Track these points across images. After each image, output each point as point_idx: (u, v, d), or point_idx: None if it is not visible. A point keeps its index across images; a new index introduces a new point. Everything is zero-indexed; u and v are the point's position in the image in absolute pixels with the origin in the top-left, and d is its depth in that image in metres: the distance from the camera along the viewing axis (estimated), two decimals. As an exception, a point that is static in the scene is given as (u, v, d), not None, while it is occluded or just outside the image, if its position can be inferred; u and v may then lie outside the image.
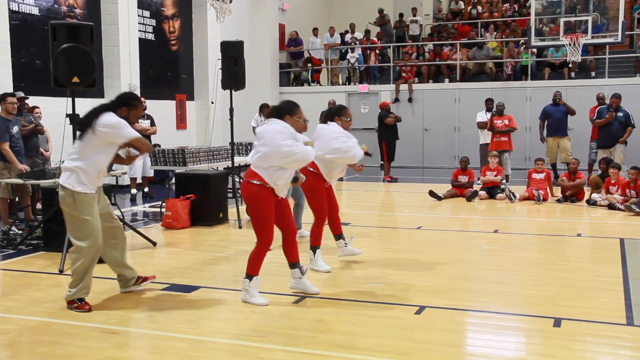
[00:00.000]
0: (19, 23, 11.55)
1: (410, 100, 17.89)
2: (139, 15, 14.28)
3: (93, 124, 4.95)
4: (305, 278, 5.43)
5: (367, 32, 19.71)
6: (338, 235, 6.61)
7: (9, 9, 11.11)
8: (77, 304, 5.11)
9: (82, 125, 5.07)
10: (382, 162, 14.68)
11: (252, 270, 5.13)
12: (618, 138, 12.03)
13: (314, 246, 6.27)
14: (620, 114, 12.06)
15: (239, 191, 10.51)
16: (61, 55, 6.76)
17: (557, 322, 4.72)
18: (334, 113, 6.36)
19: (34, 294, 5.69)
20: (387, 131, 14.05)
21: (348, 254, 6.66)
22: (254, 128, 14.24)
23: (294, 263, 5.40)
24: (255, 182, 4.98)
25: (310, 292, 5.40)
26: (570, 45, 13.49)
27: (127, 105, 5.16)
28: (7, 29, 10.84)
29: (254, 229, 5.12)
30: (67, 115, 7.03)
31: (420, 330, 4.62)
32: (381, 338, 4.45)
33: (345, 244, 6.65)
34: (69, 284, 5.16)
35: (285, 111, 5.19)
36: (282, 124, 5.09)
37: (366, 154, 6.40)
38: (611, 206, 9.97)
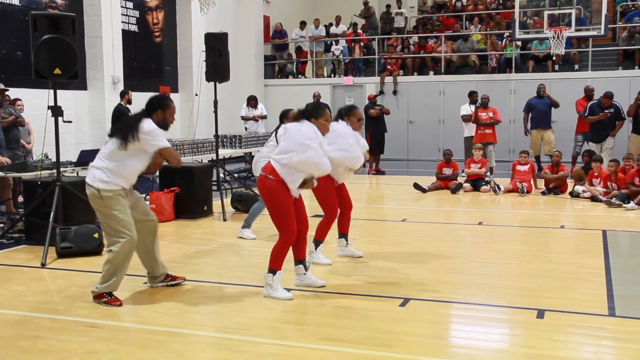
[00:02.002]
0: None
1: (395, 92, 17.91)
2: (122, 7, 14.15)
3: (135, 132, 4.92)
4: (309, 273, 5.46)
5: (353, 25, 19.68)
6: (342, 234, 6.51)
7: (-11, 0, 10.96)
8: (107, 298, 5.05)
9: (122, 131, 5.01)
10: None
11: (275, 265, 5.10)
12: (609, 131, 12.13)
13: (318, 240, 6.20)
14: (611, 109, 12.15)
15: (224, 184, 10.50)
16: (42, 46, 6.68)
17: (541, 314, 4.75)
18: (343, 113, 6.16)
19: (16, 287, 5.63)
20: (371, 123, 14.08)
21: (347, 255, 6.53)
22: (243, 117, 14.22)
23: (300, 260, 5.41)
24: (272, 177, 4.98)
25: (317, 286, 5.40)
26: (554, 38, 13.57)
27: (160, 107, 5.12)
28: (-13, 19, 10.70)
29: (275, 224, 5.09)
30: (49, 107, 6.95)
31: (405, 322, 4.63)
32: (365, 330, 4.46)
33: (347, 244, 6.55)
34: (101, 278, 5.06)
35: (312, 114, 5.26)
36: (314, 128, 5.17)
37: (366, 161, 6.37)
38: (594, 198, 10.06)
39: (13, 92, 9.79)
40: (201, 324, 4.64)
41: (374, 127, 14.12)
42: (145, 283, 5.56)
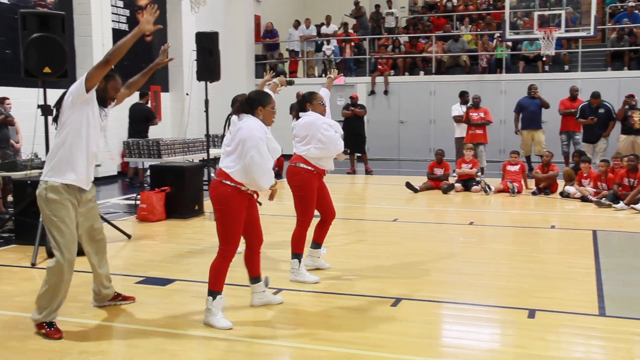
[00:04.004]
0: (-11, 12, 11.32)
1: (386, 92, 17.92)
2: (112, 5, 14.08)
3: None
4: (267, 290, 5.03)
5: (344, 25, 19.68)
6: (317, 244, 6.04)
7: (-22, -2, 10.88)
8: (46, 330, 4.40)
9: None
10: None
11: (216, 286, 4.55)
12: (601, 132, 12.21)
13: (297, 254, 5.68)
14: (601, 111, 12.23)
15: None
16: (31, 45, 6.64)
17: (532, 314, 4.77)
18: (304, 101, 5.81)
19: (5, 287, 5.59)
20: (346, 124, 14.02)
21: (316, 266, 6.04)
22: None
23: (256, 277, 4.93)
24: (228, 182, 4.48)
25: (276, 303, 5.01)
26: (544, 38, 13.63)
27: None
28: (-24, 17, 10.62)
29: (218, 235, 4.60)
30: (38, 106, 6.91)
31: (396, 323, 4.63)
32: (357, 330, 4.46)
33: (319, 256, 6.11)
34: (37, 301, 4.49)
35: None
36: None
37: (345, 152, 6.23)
38: (584, 198, 10.11)
39: (2, 91, 9.73)
40: (193, 324, 4.62)
41: (350, 127, 14.11)
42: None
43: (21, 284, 5.72)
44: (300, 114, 5.80)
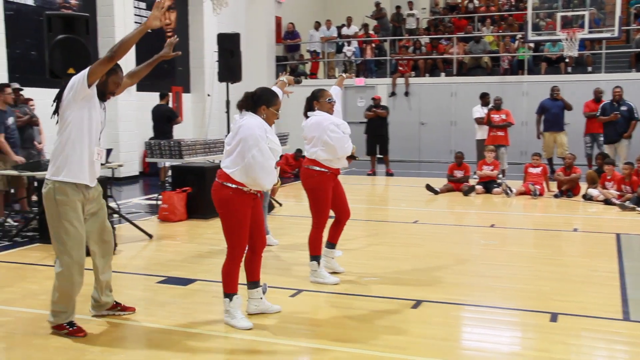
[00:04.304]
0: (14, 14, 11.48)
1: (406, 94, 17.88)
2: (135, 7, 14.22)
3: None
4: (265, 298, 4.85)
5: (365, 26, 19.67)
6: (331, 244, 5.93)
7: (4, 0, 11.03)
8: (68, 329, 4.42)
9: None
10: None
11: (230, 288, 4.54)
12: (623, 132, 12.05)
13: (315, 256, 5.66)
14: (624, 108, 12.07)
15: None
16: (56, 46, 6.72)
17: (554, 317, 4.73)
18: (311, 99, 5.65)
19: (30, 286, 5.67)
20: (369, 125, 14.34)
21: (329, 268, 5.92)
22: None
23: (254, 282, 4.77)
24: (229, 184, 4.44)
25: (273, 312, 4.82)
26: (567, 40, 13.50)
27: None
28: (2, 19, 10.78)
29: (226, 239, 4.56)
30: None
31: (416, 325, 4.62)
32: (377, 332, 4.45)
33: (333, 257, 6.01)
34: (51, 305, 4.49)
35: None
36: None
37: (352, 156, 6.04)
38: (607, 201, 9.99)
39: (27, 92, 9.86)
40: (213, 324, 4.64)
41: (372, 128, 14.20)
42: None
43: (45, 282, 5.78)
44: (309, 113, 5.66)
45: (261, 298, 4.80)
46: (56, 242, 4.34)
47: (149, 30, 4.36)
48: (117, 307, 4.80)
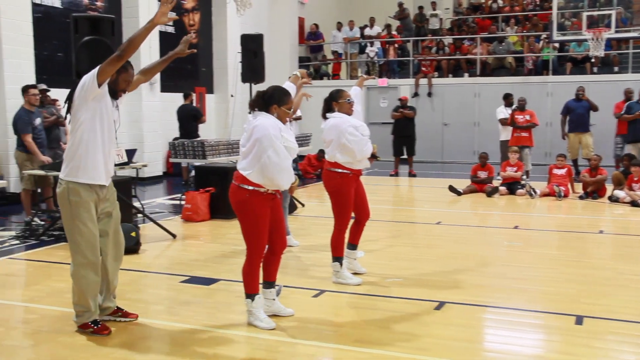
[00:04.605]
0: (42, 16, 11.65)
1: (429, 94, 17.81)
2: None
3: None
4: (278, 300, 4.82)
5: (387, 26, 19.63)
6: (353, 245, 5.89)
7: (32, 2, 11.20)
8: (93, 327, 4.45)
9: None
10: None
11: (251, 289, 4.55)
12: None
13: (338, 257, 5.66)
14: None
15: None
16: (83, 47, 6.79)
17: (579, 320, 4.67)
18: (330, 99, 5.58)
19: (56, 284, 5.74)
20: (396, 126, 14.33)
21: (351, 269, 5.88)
22: None
23: (270, 282, 4.74)
24: (246, 186, 4.41)
25: (285, 315, 4.77)
26: (593, 39, 13.34)
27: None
28: (30, 22, 10.93)
29: (245, 240, 4.54)
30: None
31: (439, 326, 4.59)
32: (400, 333, 4.44)
33: (355, 258, 5.98)
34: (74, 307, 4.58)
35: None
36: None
37: (373, 155, 5.94)
38: (634, 203, 9.85)
39: (54, 93, 10.00)
40: (236, 324, 4.67)
41: (399, 129, 14.20)
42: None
43: (71, 280, 5.85)
44: (327, 114, 5.58)
45: (274, 299, 4.77)
46: (70, 242, 4.39)
47: (158, 27, 4.32)
48: (119, 313, 4.71)
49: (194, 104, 13.64)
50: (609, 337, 4.42)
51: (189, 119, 12.67)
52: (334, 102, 5.55)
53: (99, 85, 4.25)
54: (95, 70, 4.26)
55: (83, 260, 4.35)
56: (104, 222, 4.51)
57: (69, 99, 4.41)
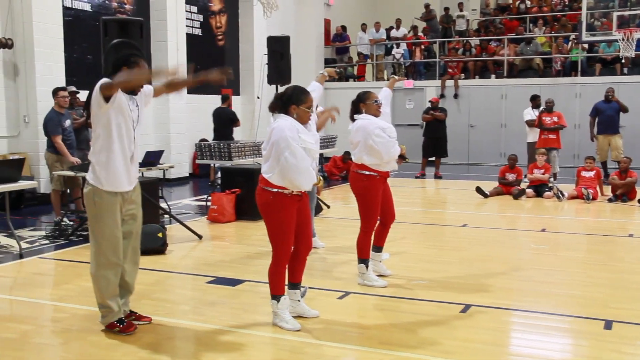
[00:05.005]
0: (72, 19, 11.84)
1: (456, 96, 17.70)
2: (186, 11, 14.48)
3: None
4: (303, 301, 4.81)
5: (414, 28, 19.56)
6: (378, 247, 5.87)
7: (63, 6, 11.39)
8: (120, 326, 4.50)
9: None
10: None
11: (276, 290, 4.57)
12: None
13: (364, 259, 5.65)
14: None
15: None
16: (112, 50, 6.88)
17: (608, 325, 4.60)
18: (357, 101, 5.55)
19: (85, 283, 5.80)
20: (427, 128, 14.29)
21: (376, 271, 5.87)
22: None
23: (295, 283, 4.74)
24: (269, 189, 4.40)
25: (310, 316, 4.76)
26: (623, 40, 13.15)
27: (126, 64, 4.43)
28: (61, 25, 11.12)
29: (270, 241, 4.55)
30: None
31: (465, 329, 4.56)
32: (425, 336, 4.42)
33: (380, 260, 5.97)
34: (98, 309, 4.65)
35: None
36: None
37: (401, 156, 5.89)
38: (664, 206, 9.69)
39: (83, 95, 10.13)
40: (261, 325, 4.69)
41: (431, 131, 14.15)
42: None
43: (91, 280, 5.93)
44: (355, 116, 5.56)
45: (299, 300, 4.76)
46: (93, 242, 4.44)
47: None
48: (132, 317, 4.67)
49: (231, 108, 13.74)
50: (639, 343, 4.35)
51: (226, 122, 12.76)
52: (362, 104, 5.54)
53: (106, 100, 4.23)
54: (98, 85, 4.25)
55: (104, 260, 4.40)
56: (129, 224, 4.55)
57: (87, 106, 4.45)
